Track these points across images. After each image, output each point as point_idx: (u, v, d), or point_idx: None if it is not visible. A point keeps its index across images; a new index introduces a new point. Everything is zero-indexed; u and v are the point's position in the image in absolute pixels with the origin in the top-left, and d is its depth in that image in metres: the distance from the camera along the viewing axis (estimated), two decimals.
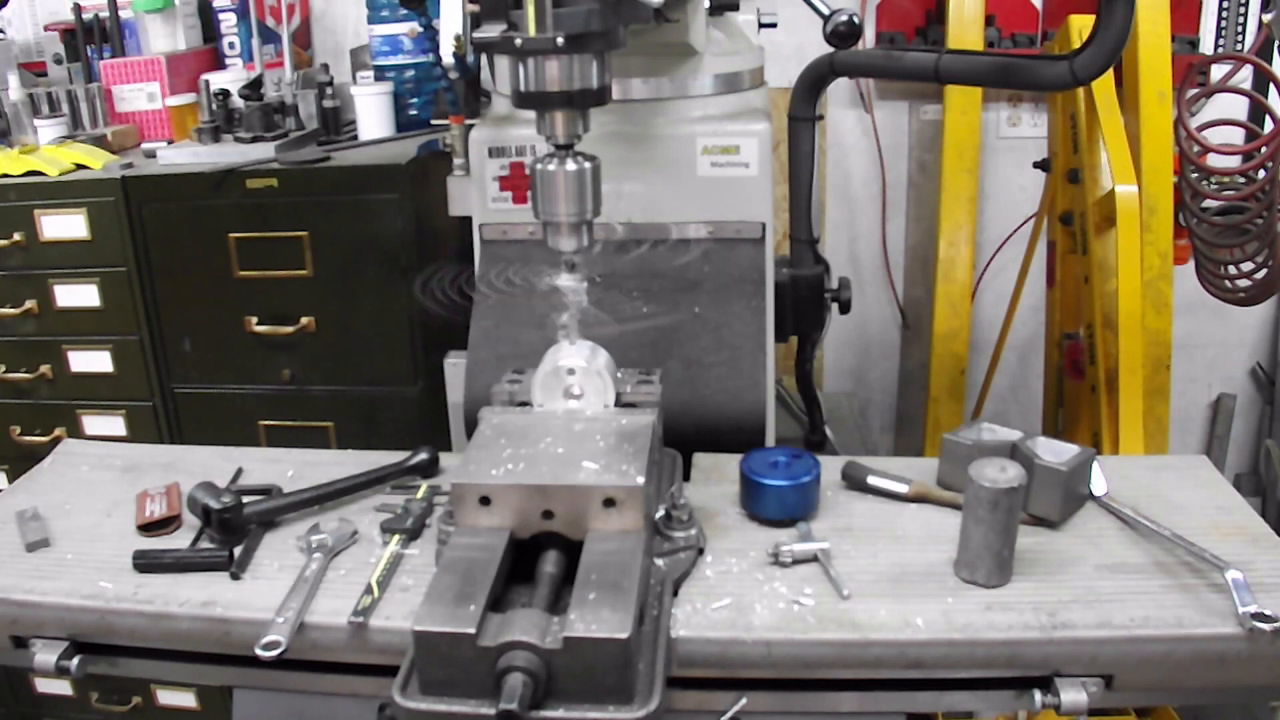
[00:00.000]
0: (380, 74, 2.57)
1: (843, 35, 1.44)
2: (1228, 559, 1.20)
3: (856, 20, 1.42)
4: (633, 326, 1.48)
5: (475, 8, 1.23)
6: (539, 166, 1.26)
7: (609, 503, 1.14)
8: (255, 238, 2.29)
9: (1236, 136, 2.69)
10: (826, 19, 1.51)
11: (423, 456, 1.49)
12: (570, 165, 1.26)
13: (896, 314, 3.32)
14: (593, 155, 1.27)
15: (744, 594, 1.19)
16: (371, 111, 2.51)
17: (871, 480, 1.41)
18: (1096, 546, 1.28)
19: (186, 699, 2.64)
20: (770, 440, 1.63)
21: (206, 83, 2.44)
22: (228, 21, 2.74)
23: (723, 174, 1.64)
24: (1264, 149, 2.30)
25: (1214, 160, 2.46)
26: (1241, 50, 2.86)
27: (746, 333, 1.59)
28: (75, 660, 1.25)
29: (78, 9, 2.69)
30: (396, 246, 2.25)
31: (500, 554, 1.12)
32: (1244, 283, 2.43)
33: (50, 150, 2.40)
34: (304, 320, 2.33)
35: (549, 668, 0.98)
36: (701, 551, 1.27)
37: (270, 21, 2.73)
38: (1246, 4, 2.85)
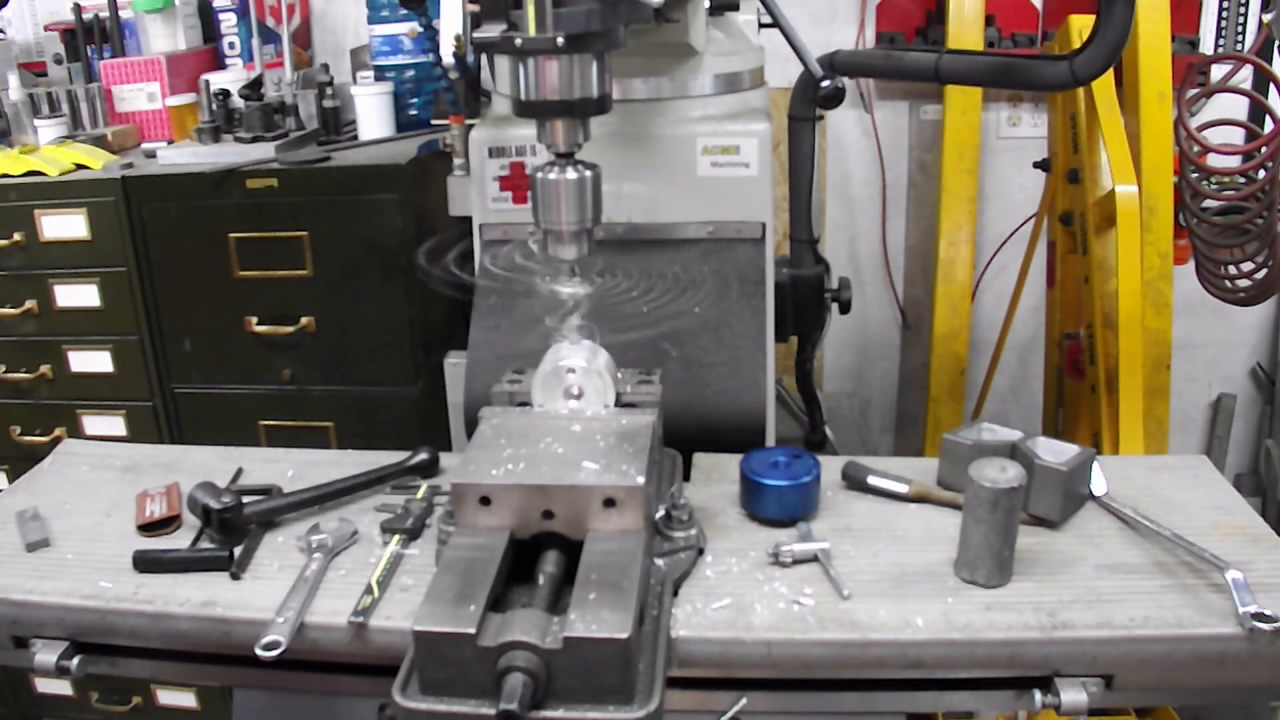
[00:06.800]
0: (380, 74, 2.57)
1: (828, 97, 1.58)
2: (1228, 559, 1.20)
3: (841, 85, 1.58)
4: (633, 336, 1.49)
5: (475, 8, 1.23)
6: (539, 175, 1.26)
7: (609, 503, 1.14)
8: (255, 238, 2.29)
9: (1236, 136, 2.69)
10: (818, 81, 1.59)
11: (423, 456, 1.49)
12: (571, 174, 1.26)
13: (896, 314, 3.32)
14: (593, 164, 1.28)
15: (744, 594, 1.19)
16: (371, 111, 2.52)
17: (871, 480, 1.41)
18: (1096, 546, 1.28)
19: (186, 699, 2.64)
20: (770, 440, 1.63)
21: (206, 83, 2.45)
22: (228, 21, 2.74)
23: (723, 174, 1.64)
24: (1264, 149, 2.30)
25: (1214, 160, 2.46)
26: (1241, 50, 2.86)
27: (746, 333, 1.59)
28: (75, 660, 1.25)
29: (78, 9, 2.69)
30: (396, 246, 2.25)
31: (500, 554, 1.12)
32: (1244, 283, 2.43)
33: (50, 150, 2.41)
34: (304, 320, 2.33)
35: (549, 668, 0.98)
36: (701, 551, 1.27)
37: (270, 21, 2.73)
38: (1246, 4, 2.85)
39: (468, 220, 1.75)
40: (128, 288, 2.36)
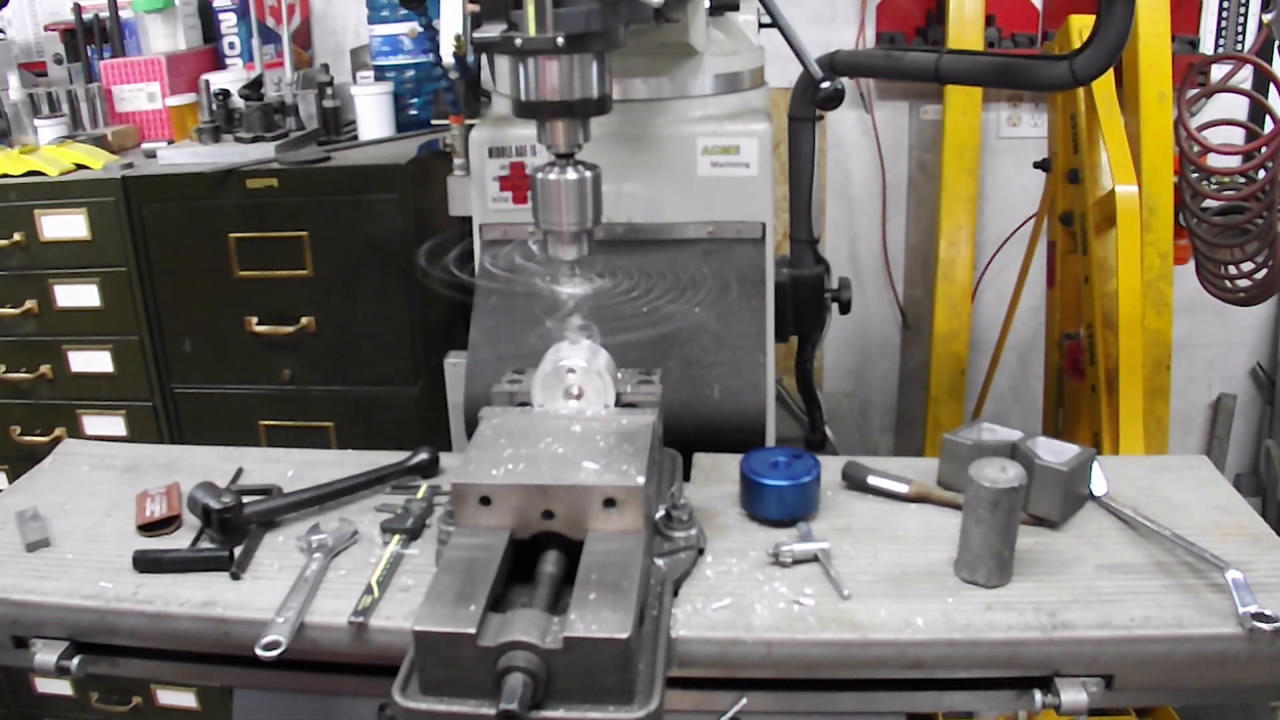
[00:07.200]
0: (380, 74, 2.57)
1: (828, 98, 1.62)
2: (1228, 559, 1.20)
3: (840, 87, 1.61)
4: (633, 337, 1.49)
5: (475, 8, 1.23)
6: (539, 175, 1.26)
7: (609, 503, 1.14)
8: (255, 238, 2.29)
9: (1236, 136, 2.69)
10: (817, 83, 1.61)
11: (423, 456, 1.49)
12: (571, 174, 1.26)
13: (896, 314, 3.32)
14: (593, 164, 1.28)
15: (744, 594, 1.19)
16: (371, 111, 2.52)
17: (871, 480, 1.41)
18: (1096, 546, 1.28)
19: (186, 699, 2.64)
20: (770, 440, 1.63)
21: (206, 83, 2.44)
22: (228, 21, 2.74)
23: (723, 174, 1.64)
24: (1264, 149, 2.30)
25: (1214, 160, 2.46)
26: (1241, 50, 2.86)
27: (746, 333, 1.59)
28: (75, 660, 1.25)
29: (78, 9, 2.69)
30: (396, 246, 2.25)
31: (500, 554, 1.12)
32: (1244, 283, 2.43)
33: (50, 150, 2.41)
34: (304, 320, 2.33)
35: (549, 668, 0.98)
36: (701, 551, 1.27)
37: (270, 21, 2.73)
38: (1246, 4, 2.85)
39: (468, 220, 1.75)
40: (128, 288, 2.36)
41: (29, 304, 2.40)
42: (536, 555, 1.16)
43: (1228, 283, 2.47)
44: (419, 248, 2.09)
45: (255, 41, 2.64)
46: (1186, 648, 1.13)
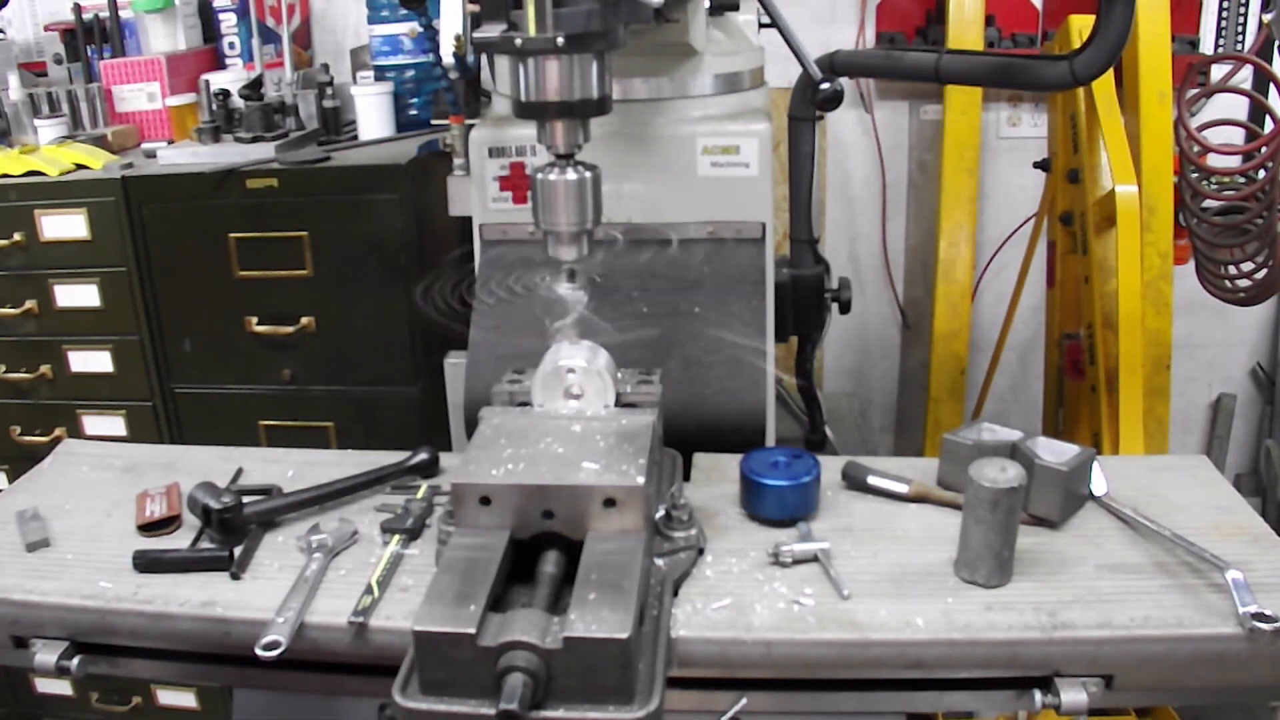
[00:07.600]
0: (380, 74, 2.57)
1: (827, 100, 1.61)
2: (1228, 559, 1.20)
3: (839, 88, 1.60)
4: (633, 336, 1.48)
5: (475, 8, 1.23)
6: (539, 176, 1.26)
7: (609, 503, 1.14)
8: (255, 238, 2.29)
9: (1236, 136, 2.69)
10: (816, 84, 1.60)
11: (423, 456, 1.49)
12: (570, 175, 1.26)
13: (896, 314, 3.32)
14: (593, 164, 1.28)
15: (744, 594, 1.19)
16: (371, 111, 2.52)
17: (871, 480, 1.41)
18: (1096, 546, 1.28)
19: (186, 699, 2.64)
20: (770, 440, 1.63)
21: (206, 83, 2.45)
22: (228, 21, 2.74)
23: (723, 174, 1.64)
24: (1264, 149, 2.30)
25: (1214, 160, 2.46)
26: (1241, 50, 2.86)
27: (746, 333, 1.59)
28: (75, 660, 1.25)
29: (78, 9, 2.69)
30: (396, 246, 2.25)
31: (500, 554, 1.12)
32: (1244, 283, 2.43)
33: (50, 150, 2.41)
34: (304, 320, 2.33)
35: (549, 668, 0.98)
36: (701, 551, 1.27)
37: (270, 21, 2.73)
38: (1246, 4, 2.86)
39: (468, 220, 1.75)
40: (128, 288, 2.36)
41: (29, 304, 2.40)
42: (536, 555, 1.16)
43: (1228, 283, 2.47)
44: (418, 265, 2.11)
45: (255, 41, 2.64)
46: (1186, 648, 1.13)
